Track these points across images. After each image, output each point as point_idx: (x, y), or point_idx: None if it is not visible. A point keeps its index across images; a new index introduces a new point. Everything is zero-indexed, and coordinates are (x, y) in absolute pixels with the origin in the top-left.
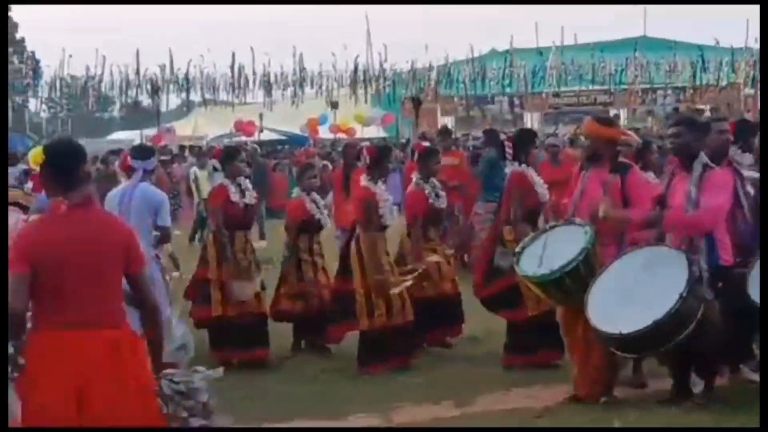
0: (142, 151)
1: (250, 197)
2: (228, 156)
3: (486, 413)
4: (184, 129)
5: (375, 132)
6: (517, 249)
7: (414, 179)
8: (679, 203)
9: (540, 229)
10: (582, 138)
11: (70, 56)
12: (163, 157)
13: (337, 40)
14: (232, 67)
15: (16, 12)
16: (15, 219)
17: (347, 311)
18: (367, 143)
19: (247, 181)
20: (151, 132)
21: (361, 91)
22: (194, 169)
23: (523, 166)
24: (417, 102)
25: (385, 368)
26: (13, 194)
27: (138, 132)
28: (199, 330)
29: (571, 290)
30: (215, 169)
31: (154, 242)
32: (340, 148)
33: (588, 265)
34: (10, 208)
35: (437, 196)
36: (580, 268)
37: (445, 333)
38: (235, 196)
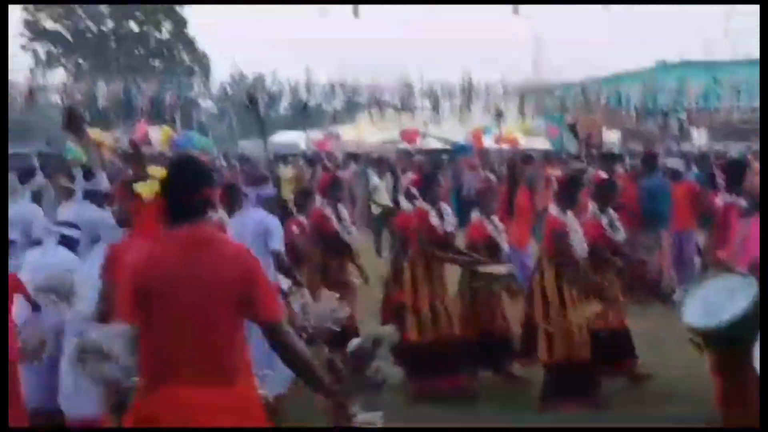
0: (256, 179)
1: (450, 224)
2: (429, 180)
3: None
4: (349, 133)
5: (539, 143)
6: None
7: (591, 208)
8: None
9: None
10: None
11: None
12: (327, 164)
13: (506, 56)
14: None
15: (187, 9)
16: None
17: (529, 343)
18: (557, 172)
19: (446, 205)
20: (317, 135)
21: (527, 105)
22: (375, 179)
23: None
24: (572, 127)
25: (570, 407)
26: None
27: (303, 134)
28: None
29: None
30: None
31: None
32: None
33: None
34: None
35: (614, 228)
36: (747, 323)
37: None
38: (435, 221)
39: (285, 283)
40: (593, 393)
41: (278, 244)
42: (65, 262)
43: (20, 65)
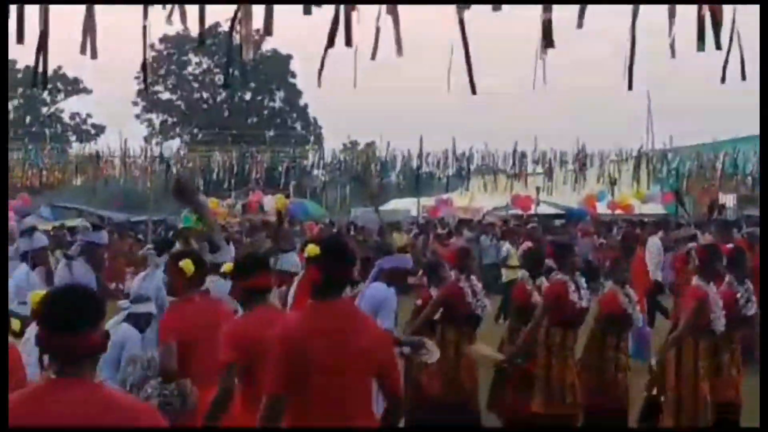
0: (381, 250)
1: (585, 299)
2: (564, 251)
3: None
4: (461, 200)
5: (654, 209)
6: None
7: (727, 279)
8: None
9: None
10: None
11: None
12: (440, 231)
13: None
14: (514, 153)
15: (299, 80)
16: None
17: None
18: (693, 244)
19: (581, 278)
20: (428, 202)
21: (642, 172)
22: (507, 245)
23: None
24: (678, 197)
25: None
26: None
27: (415, 200)
28: None
29: None
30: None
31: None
32: (618, 227)
33: None
34: None
35: (749, 301)
36: None
37: None
38: (573, 296)
39: (406, 349)
40: None
41: (386, 321)
42: None
43: (136, 134)
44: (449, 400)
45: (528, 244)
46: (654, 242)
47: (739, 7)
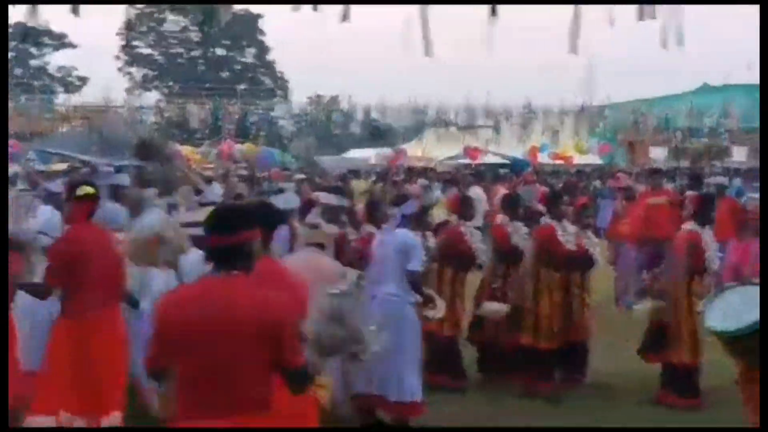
0: (398, 198)
1: (570, 242)
2: (554, 197)
3: None
4: (415, 150)
5: (591, 160)
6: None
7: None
8: None
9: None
10: None
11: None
12: (395, 178)
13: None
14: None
15: (269, 36)
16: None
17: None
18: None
19: (567, 224)
20: (385, 152)
21: (582, 127)
22: (438, 193)
23: None
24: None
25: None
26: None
27: (373, 151)
28: None
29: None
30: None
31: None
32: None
33: None
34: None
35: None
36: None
37: None
38: (561, 238)
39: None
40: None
41: (417, 264)
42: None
43: (118, 86)
44: (443, 334)
45: (503, 190)
46: None
47: None
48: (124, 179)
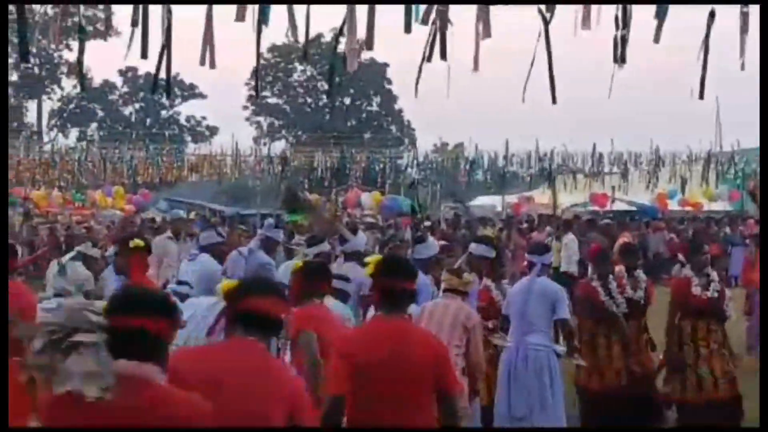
0: (538, 247)
1: (714, 290)
2: (695, 248)
3: None
4: (541, 197)
5: (721, 206)
6: None
7: None
8: None
9: None
10: None
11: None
12: (521, 226)
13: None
14: (592, 154)
15: (396, 86)
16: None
17: None
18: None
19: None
20: (511, 199)
21: (711, 173)
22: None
23: None
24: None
25: None
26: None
27: (500, 198)
28: None
29: None
30: None
31: (553, 336)
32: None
33: None
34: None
35: None
36: None
37: None
38: (696, 289)
39: (560, 348)
40: None
41: (565, 312)
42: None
43: (246, 136)
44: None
45: (626, 238)
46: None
47: None
48: (278, 234)
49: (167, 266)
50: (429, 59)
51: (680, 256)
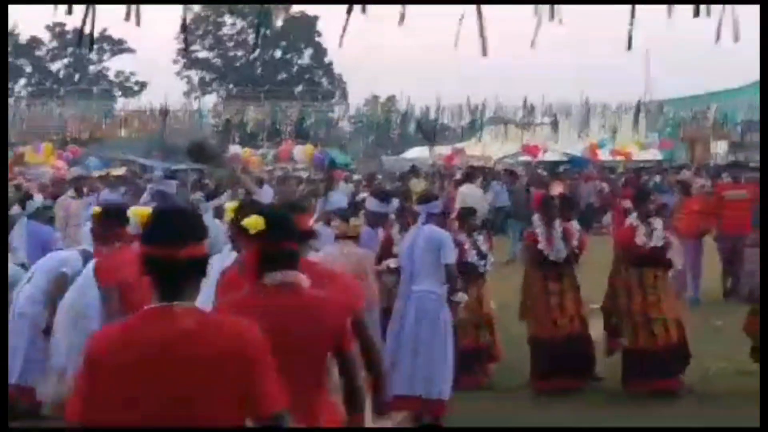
0: (425, 197)
1: (657, 239)
2: (641, 197)
3: None
4: (473, 149)
5: (652, 155)
6: None
7: None
8: None
9: None
10: None
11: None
12: (456, 178)
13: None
14: (524, 105)
15: (325, 37)
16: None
17: None
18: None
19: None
20: (443, 150)
21: (641, 123)
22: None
23: None
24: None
25: None
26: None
27: (428, 149)
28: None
29: None
30: None
31: (443, 280)
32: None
33: None
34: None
35: None
36: None
37: None
38: (641, 239)
39: (460, 296)
40: None
41: (449, 257)
42: None
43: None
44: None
45: (559, 188)
46: None
47: None
48: (171, 186)
49: (75, 226)
50: (349, 11)
51: (625, 203)
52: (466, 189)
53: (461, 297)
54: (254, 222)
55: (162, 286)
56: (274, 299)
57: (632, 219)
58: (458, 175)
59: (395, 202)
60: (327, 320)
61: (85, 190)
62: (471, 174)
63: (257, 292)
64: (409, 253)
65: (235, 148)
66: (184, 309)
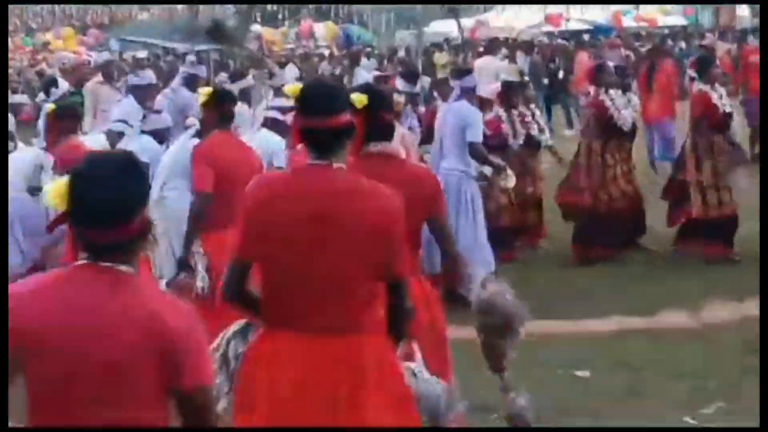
0: (460, 72)
1: (726, 104)
2: (705, 63)
3: None
4: (496, 20)
5: (675, 21)
6: None
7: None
8: None
9: None
10: None
11: None
12: (480, 50)
13: None
14: None
15: None
16: None
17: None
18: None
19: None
20: (466, 23)
21: None
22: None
23: None
24: None
25: None
26: None
27: (454, 23)
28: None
29: None
30: None
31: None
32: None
33: None
34: None
35: None
36: None
37: None
38: (717, 102)
39: (487, 170)
40: None
41: (475, 135)
42: (272, 140)
43: None
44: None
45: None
46: None
47: None
48: (201, 70)
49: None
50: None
51: (691, 72)
52: (481, 62)
53: (510, 180)
54: (359, 97)
55: (318, 149)
56: (377, 167)
57: (700, 85)
58: (481, 48)
59: (424, 80)
60: (425, 188)
61: (115, 75)
62: (491, 46)
63: (363, 159)
64: (441, 129)
65: (256, 27)
66: (339, 167)
